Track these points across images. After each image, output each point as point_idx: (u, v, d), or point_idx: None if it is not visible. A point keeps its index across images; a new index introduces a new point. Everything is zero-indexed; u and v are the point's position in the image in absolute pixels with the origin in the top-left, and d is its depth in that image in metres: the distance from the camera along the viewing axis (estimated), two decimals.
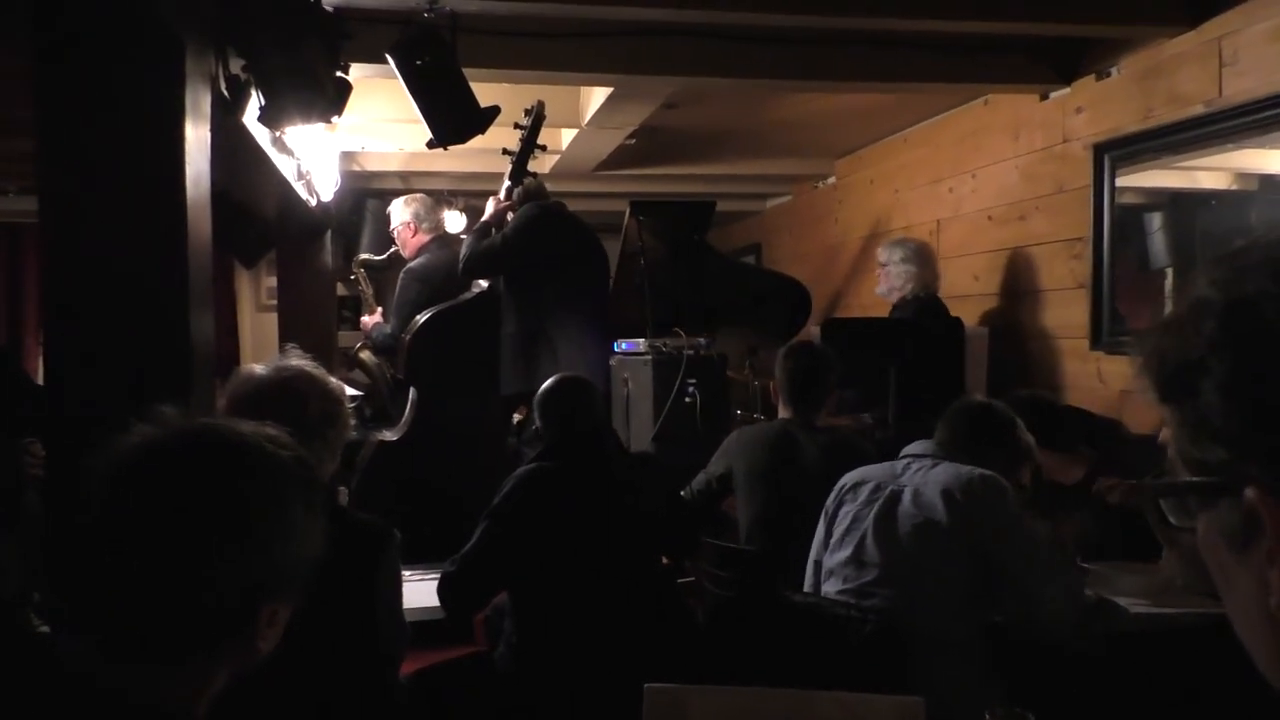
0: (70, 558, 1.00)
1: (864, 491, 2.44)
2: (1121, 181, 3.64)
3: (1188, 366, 0.61)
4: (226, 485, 1.02)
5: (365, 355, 5.35)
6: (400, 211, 4.77)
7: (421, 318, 4.42)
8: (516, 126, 3.98)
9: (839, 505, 2.50)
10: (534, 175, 4.30)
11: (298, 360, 1.97)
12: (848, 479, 2.54)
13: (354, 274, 5.23)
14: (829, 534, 2.51)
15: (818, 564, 2.54)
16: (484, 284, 4.51)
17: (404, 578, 2.05)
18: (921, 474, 2.38)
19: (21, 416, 3.10)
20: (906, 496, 2.35)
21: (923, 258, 4.36)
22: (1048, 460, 3.07)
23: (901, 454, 2.50)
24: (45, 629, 2.48)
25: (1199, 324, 0.61)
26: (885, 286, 4.41)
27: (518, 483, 2.57)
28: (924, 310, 4.25)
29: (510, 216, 4.26)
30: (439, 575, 2.60)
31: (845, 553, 2.40)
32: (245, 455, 1.04)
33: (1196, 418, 0.61)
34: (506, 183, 4.19)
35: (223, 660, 1.03)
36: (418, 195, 4.86)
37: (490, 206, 4.30)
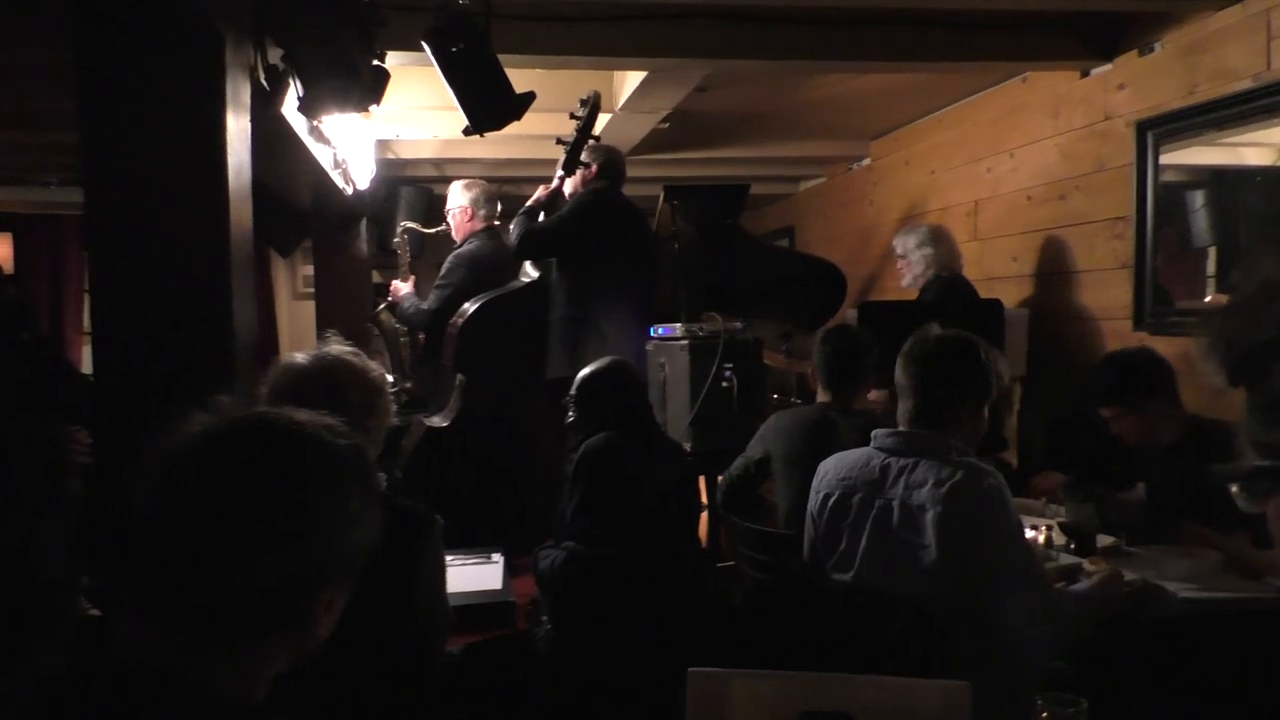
0: (130, 545, 1.02)
1: (852, 506, 2.31)
2: (1164, 159, 3.58)
3: (1258, 349, 0.60)
4: (287, 475, 1.03)
5: (385, 316, 5.32)
6: (459, 195, 4.76)
7: (471, 306, 4.44)
8: (572, 116, 3.98)
9: (827, 520, 2.37)
10: (611, 147, 4.39)
11: (338, 348, 1.97)
12: (829, 485, 2.38)
13: (397, 238, 5.19)
14: (821, 539, 2.39)
15: (814, 556, 2.47)
16: (534, 273, 4.52)
17: (447, 563, 2.06)
18: (904, 480, 2.23)
19: (67, 404, 3.16)
20: (895, 515, 2.21)
21: (938, 238, 4.32)
22: (1152, 417, 2.89)
23: (874, 441, 2.33)
24: (95, 613, 2.53)
25: (1270, 305, 0.59)
26: (909, 277, 4.40)
27: (588, 462, 2.62)
28: (947, 290, 4.22)
29: (569, 194, 4.28)
30: (553, 558, 2.65)
31: (846, 578, 2.32)
32: (304, 445, 1.05)
33: (1268, 401, 0.60)
34: (559, 172, 4.19)
35: (282, 646, 1.04)
36: (478, 181, 4.84)
37: (539, 192, 4.31)
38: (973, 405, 2.30)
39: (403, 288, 4.91)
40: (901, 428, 2.32)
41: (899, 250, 4.43)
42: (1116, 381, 2.93)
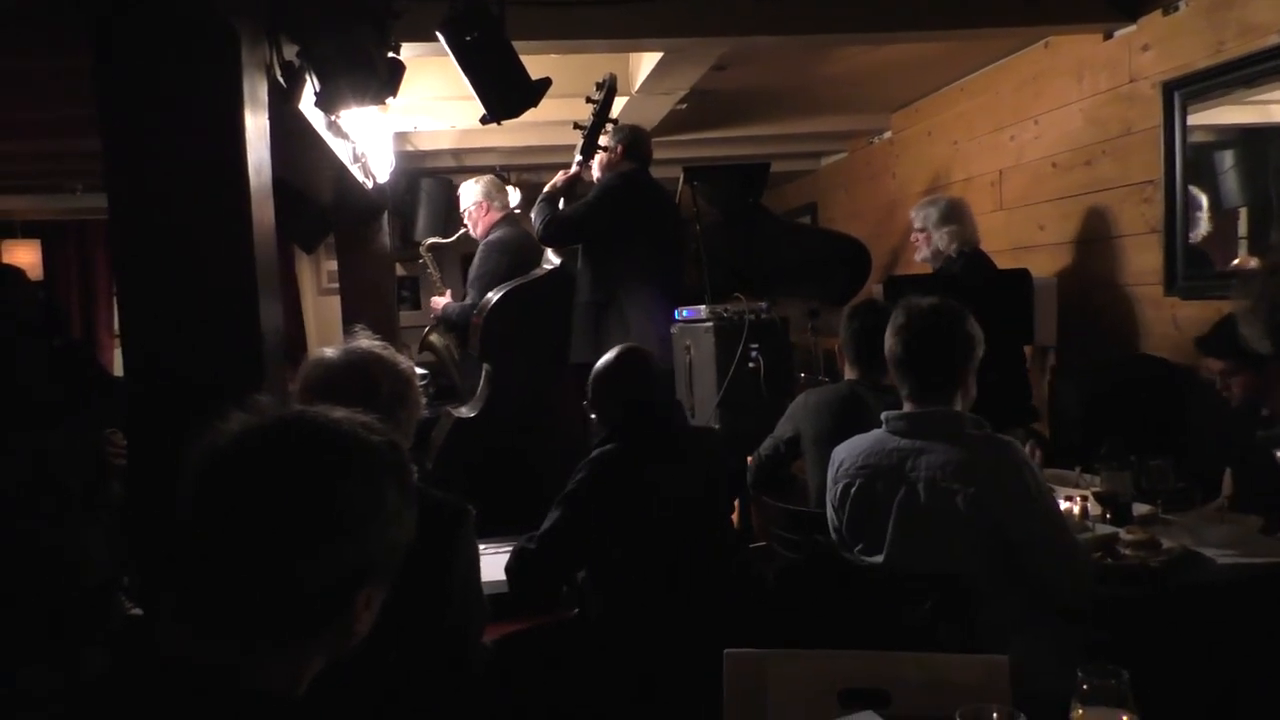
0: (169, 545, 1.02)
1: (875, 493, 2.27)
2: (1193, 120, 3.52)
3: None
4: (325, 474, 1.03)
5: (434, 338, 5.47)
6: (472, 192, 4.90)
7: (494, 296, 4.48)
8: (588, 100, 3.96)
9: (850, 510, 2.33)
10: (637, 128, 4.40)
11: (367, 342, 1.99)
12: (848, 474, 2.33)
13: (421, 258, 5.34)
14: (846, 527, 2.37)
15: (840, 543, 2.43)
16: (556, 260, 4.54)
17: (481, 552, 2.06)
18: (924, 461, 2.20)
19: (101, 407, 3.19)
20: (922, 498, 2.19)
21: (961, 214, 4.22)
22: (1268, 379, 2.77)
23: (886, 425, 2.29)
24: (137, 611, 2.57)
25: None
26: (928, 250, 4.25)
27: (590, 466, 2.58)
28: (969, 266, 4.14)
29: (598, 176, 4.27)
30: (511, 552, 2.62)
31: (877, 559, 2.29)
32: (342, 443, 1.06)
33: None
34: (578, 157, 4.19)
35: (322, 644, 1.05)
36: (485, 176, 4.97)
37: (558, 178, 4.31)
38: (970, 368, 2.28)
39: (441, 301, 5.04)
40: (908, 408, 2.30)
41: (918, 223, 4.30)
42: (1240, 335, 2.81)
